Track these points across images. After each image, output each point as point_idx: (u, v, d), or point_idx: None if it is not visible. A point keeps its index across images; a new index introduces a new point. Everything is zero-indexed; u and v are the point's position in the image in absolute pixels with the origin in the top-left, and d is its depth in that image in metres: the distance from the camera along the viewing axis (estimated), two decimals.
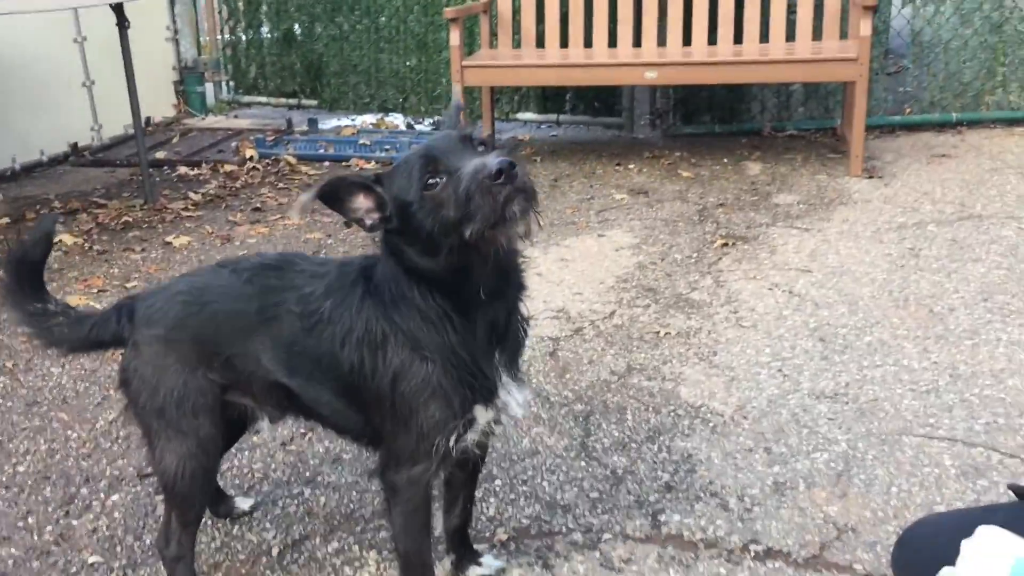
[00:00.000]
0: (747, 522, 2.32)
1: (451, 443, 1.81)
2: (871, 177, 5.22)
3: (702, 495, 2.44)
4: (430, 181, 1.66)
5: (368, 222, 1.73)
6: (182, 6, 7.49)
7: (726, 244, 4.32)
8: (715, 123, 6.43)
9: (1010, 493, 1.89)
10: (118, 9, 4.97)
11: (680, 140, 6.31)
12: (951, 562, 1.62)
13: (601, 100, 6.61)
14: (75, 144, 6.44)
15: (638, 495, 2.46)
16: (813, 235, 4.38)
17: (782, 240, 4.34)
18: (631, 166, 5.72)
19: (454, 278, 1.73)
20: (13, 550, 2.31)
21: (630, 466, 2.59)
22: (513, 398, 1.85)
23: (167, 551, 2.02)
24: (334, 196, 1.72)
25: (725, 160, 5.73)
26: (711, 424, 2.79)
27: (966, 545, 1.58)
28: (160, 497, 2.48)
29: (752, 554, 2.21)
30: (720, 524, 2.32)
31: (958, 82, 6.14)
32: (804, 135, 6.25)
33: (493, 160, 1.56)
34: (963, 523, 1.81)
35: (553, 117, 6.69)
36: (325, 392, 1.92)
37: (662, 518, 2.35)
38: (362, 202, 1.72)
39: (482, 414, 1.83)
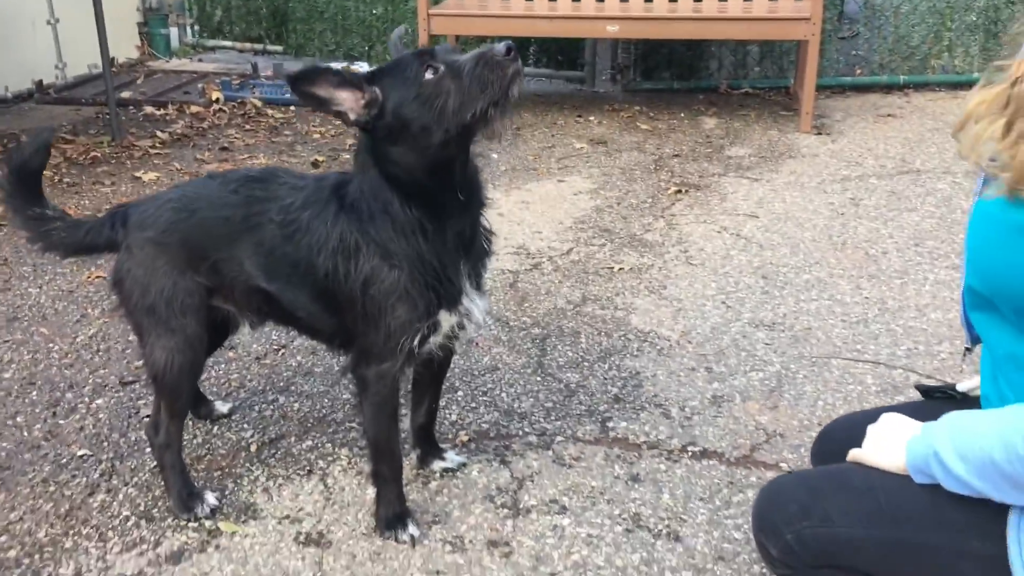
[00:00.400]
0: (686, 428, 2.55)
1: (415, 343, 2.00)
2: (820, 134, 5.45)
3: (647, 406, 2.67)
4: (428, 74, 1.81)
5: (353, 116, 1.86)
6: None
7: (679, 191, 4.53)
8: (674, 79, 6.61)
9: (917, 393, 2.13)
10: None
11: (640, 95, 6.50)
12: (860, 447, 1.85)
13: (564, 54, 6.77)
14: (40, 82, 6.44)
15: (589, 405, 2.67)
16: (762, 185, 4.61)
17: (732, 189, 4.56)
18: (591, 118, 5.89)
19: (434, 181, 1.90)
20: (5, 444, 2.47)
21: (582, 381, 2.80)
22: (476, 305, 2.03)
23: (156, 439, 2.19)
24: (317, 82, 1.82)
25: (682, 115, 5.93)
26: (658, 347, 3.01)
27: (870, 428, 1.82)
28: (142, 402, 2.66)
29: (689, 454, 2.44)
30: (662, 430, 2.55)
31: (906, 46, 6.39)
32: (759, 93, 6.46)
33: (498, 44, 1.76)
34: (872, 416, 2.05)
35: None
36: (301, 296, 2.09)
37: (610, 424, 2.57)
38: (347, 97, 1.85)
39: (446, 319, 2.01)
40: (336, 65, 7.04)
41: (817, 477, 1.92)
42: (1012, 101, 1.50)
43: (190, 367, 2.14)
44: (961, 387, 2.01)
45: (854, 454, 1.82)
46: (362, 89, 1.86)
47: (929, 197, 4.36)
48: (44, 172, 2.22)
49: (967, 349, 1.94)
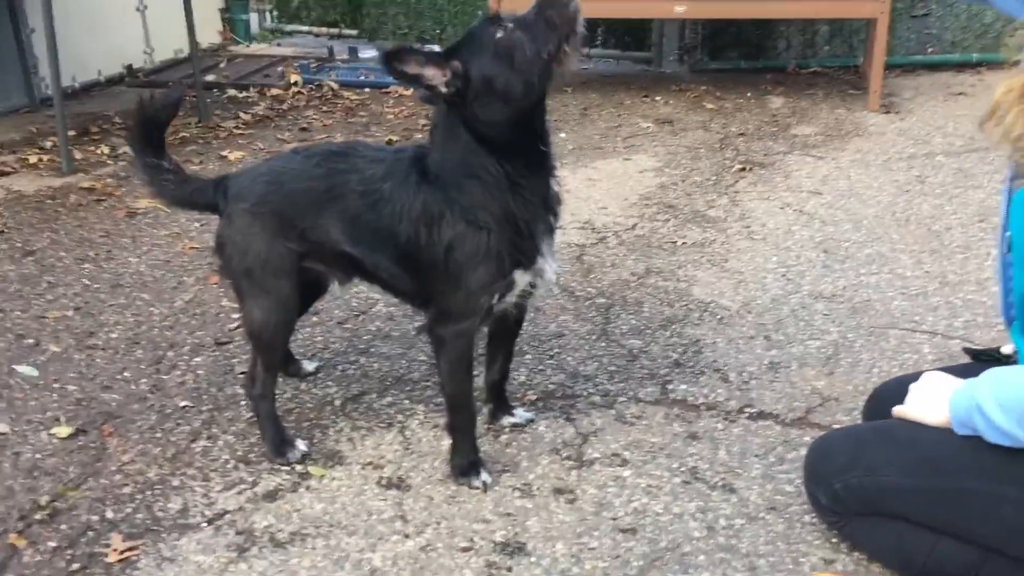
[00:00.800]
0: (744, 391, 2.68)
1: (494, 301, 2.17)
2: (888, 112, 5.47)
3: (706, 371, 2.80)
4: (499, 34, 1.99)
5: (443, 89, 2.01)
6: None
7: (744, 169, 4.61)
8: (741, 59, 6.66)
9: (965, 355, 2.23)
10: None
11: (706, 75, 6.56)
12: None
13: (631, 35, 6.85)
14: (130, 66, 6.78)
15: (650, 369, 2.81)
16: (827, 163, 4.66)
17: (797, 167, 4.63)
18: (658, 98, 5.98)
19: (519, 135, 2.06)
20: (116, 395, 2.71)
21: (644, 347, 2.95)
22: (548, 265, 2.20)
23: (253, 390, 2.40)
24: (406, 60, 1.99)
25: (749, 94, 5.99)
26: (718, 316, 3.14)
27: (912, 386, 1.93)
28: (236, 360, 2.88)
29: (746, 415, 2.57)
30: (720, 392, 2.68)
31: (980, 23, 6.33)
32: (827, 72, 6.47)
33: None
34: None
35: (584, 50, 6.93)
36: (383, 259, 2.26)
37: (670, 387, 2.71)
38: (434, 73, 2.00)
39: (521, 277, 2.17)
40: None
41: (864, 431, 2.05)
42: None
43: (284, 325, 2.35)
44: (1005, 349, 2.11)
45: (898, 410, 1.94)
46: (444, 65, 2.01)
47: (996, 175, 4.37)
48: (169, 120, 2.41)
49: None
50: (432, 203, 2.13)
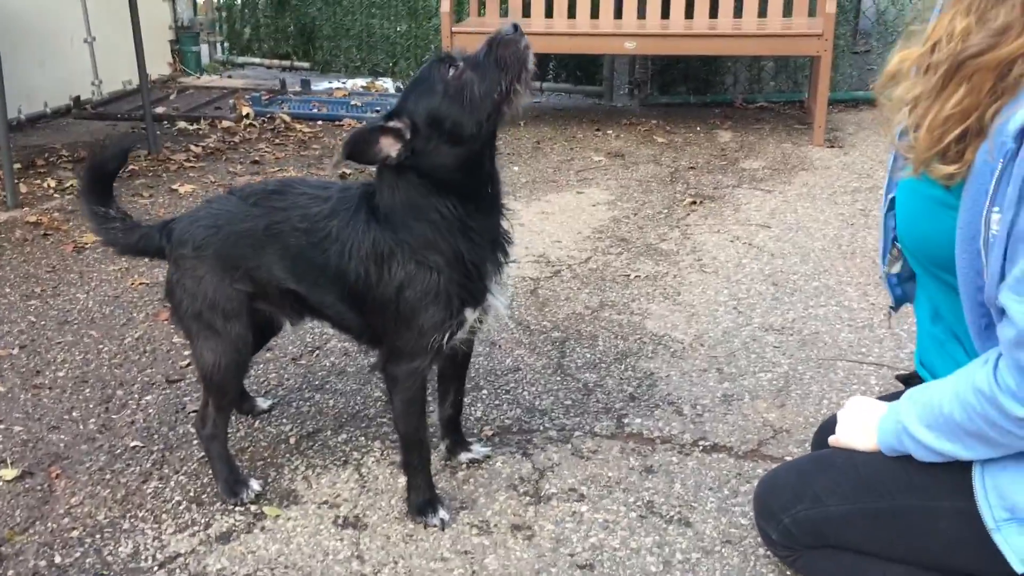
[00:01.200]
0: (698, 424, 2.71)
1: (444, 340, 2.17)
2: (832, 146, 5.60)
3: (661, 404, 2.83)
4: (449, 73, 1.99)
5: (394, 154, 2.03)
6: None
7: (694, 202, 4.69)
8: (690, 94, 6.78)
9: (898, 383, 2.29)
10: None
11: (656, 109, 6.67)
12: None
13: (582, 69, 6.95)
14: (77, 97, 6.70)
15: (606, 403, 2.84)
16: (775, 196, 4.76)
17: (746, 200, 4.72)
18: (609, 132, 6.07)
19: (468, 176, 2.07)
20: (63, 436, 2.66)
21: (599, 381, 2.97)
22: (499, 300, 2.21)
23: (204, 431, 2.37)
24: (361, 149, 2.02)
25: (698, 128, 6.10)
26: (672, 349, 3.17)
27: (840, 413, 1.97)
28: (188, 399, 2.85)
29: (700, 448, 2.59)
30: (675, 426, 2.71)
31: None
32: (773, 107, 6.62)
33: (504, 26, 1.97)
34: None
35: (536, 85, 7.00)
36: (330, 297, 2.25)
37: (625, 421, 2.74)
38: (384, 142, 2.02)
39: (471, 314, 2.18)
40: (361, 82, 7.28)
41: (805, 462, 2.08)
42: (931, 68, 1.64)
43: (236, 367, 2.32)
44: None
45: (832, 440, 1.98)
46: (396, 132, 2.01)
47: None
48: (119, 169, 2.40)
49: (891, 308, 2.13)
50: (382, 242, 2.13)
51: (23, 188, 4.83)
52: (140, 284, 3.70)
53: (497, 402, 2.85)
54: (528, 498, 2.38)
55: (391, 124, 2.04)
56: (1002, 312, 1.54)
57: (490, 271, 2.17)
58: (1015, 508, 1.67)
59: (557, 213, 4.56)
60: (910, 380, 2.17)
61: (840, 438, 1.94)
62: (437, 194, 2.07)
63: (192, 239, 2.28)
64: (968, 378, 1.63)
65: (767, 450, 2.58)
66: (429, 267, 2.10)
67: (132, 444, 2.61)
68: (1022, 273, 1.48)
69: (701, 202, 4.68)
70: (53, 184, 4.93)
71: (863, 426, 1.89)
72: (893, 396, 1.98)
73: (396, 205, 2.12)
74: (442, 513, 2.27)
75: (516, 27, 2.01)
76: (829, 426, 2.24)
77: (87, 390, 2.91)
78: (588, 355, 3.14)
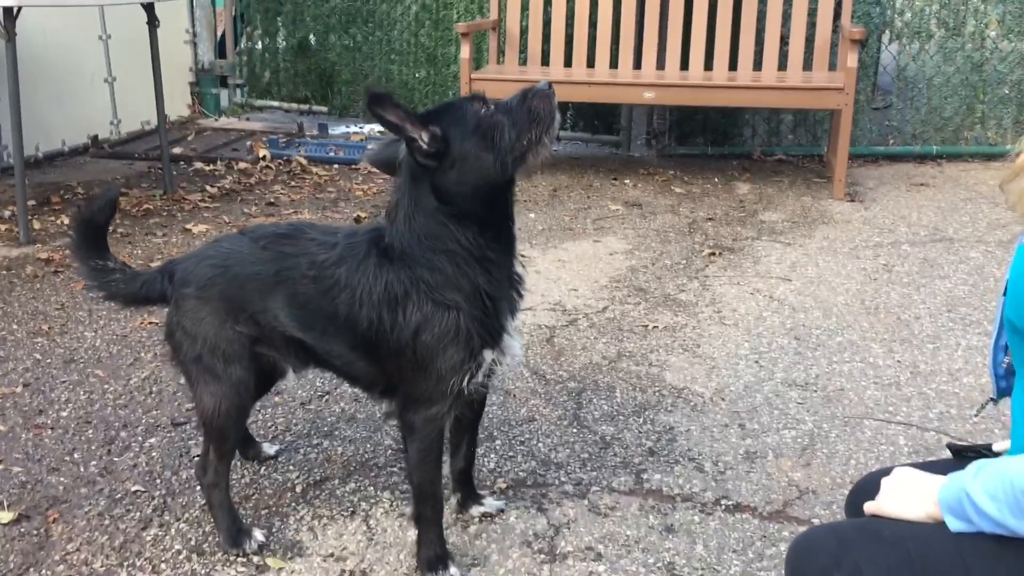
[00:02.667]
0: (720, 482, 2.61)
1: (464, 383, 2.09)
2: (853, 201, 5.54)
3: (681, 460, 2.72)
4: (482, 111, 1.99)
5: (423, 147, 1.96)
6: (201, 11, 7.79)
7: (713, 254, 4.62)
8: (708, 145, 6.75)
9: (948, 452, 2.18)
10: (149, 8, 5.27)
11: (674, 159, 6.63)
12: None
13: (600, 118, 6.94)
14: (95, 136, 6.71)
15: (624, 457, 2.74)
16: (795, 249, 4.69)
17: (766, 252, 4.64)
18: (627, 181, 6.02)
19: (490, 211, 2.03)
20: (63, 478, 2.57)
21: (617, 434, 2.87)
22: (515, 340, 2.15)
23: (205, 478, 2.28)
24: (391, 111, 1.94)
25: (716, 180, 6.05)
26: (692, 403, 3.08)
27: (884, 481, 1.86)
28: (192, 442, 2.76)
29: (723, 507, 2.49)
30: (696, 483, 2.60)
31: (939, 117, 6.49)
32: (792, 160, 6.58)
33: (540, 82, 2.03)
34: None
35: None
36: (338, 346, 2.18)
37: (644, 476, 2.63)
38: (411, 127, 1.96)
39: (488, 355, 2.11)
40: (377, 127, 7.28)
41: (847, 528, 1.97)
42: None
43: (236, 412, 2.24)
44: (996, 447, 2.06)
45: (870, 507, 1.86)
46: (422, 127, 1.97)
47: (962, 265, 4.41)
48: (109, 220, 2.34)
49: (992, 400, 2.00)
50: (396, 283, 2.06)
51: (36, 224, 4.80)
52: (149, 323, 3.64)
53: (511, 454, 2.75)
54: (543, 556, 2.27)
55: (422, 121, 1.98)
56: None
57: (505, 309, 2.10)
58: None
59: (574, 261, 4.49)
60: (964, 452, 2.07)
61: (884, 505, 1.83)
62: (456, 223, 2.02)
63: (196, 278, 2.21)
64: None
65: (793, 511, 2.47)
66: (447, 306, 2.04)
67: (133, 488, 2.53)
68: None
69: (720, 253, 4.61)
70: (67, 221, 4.89)
71: (917, 492, 1.78)
72: (950, 466, 1.87)
73: (414, 237, 2.05)
74: (452, 569, 2.17)
75: (550, 85, 2.05)
76: (864, 489, 2.13)
77: (90, 431, 2.83)
78: (605, 407, 3.05)
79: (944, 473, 1.92)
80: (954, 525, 1.71)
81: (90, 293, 2.42)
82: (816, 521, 2.41)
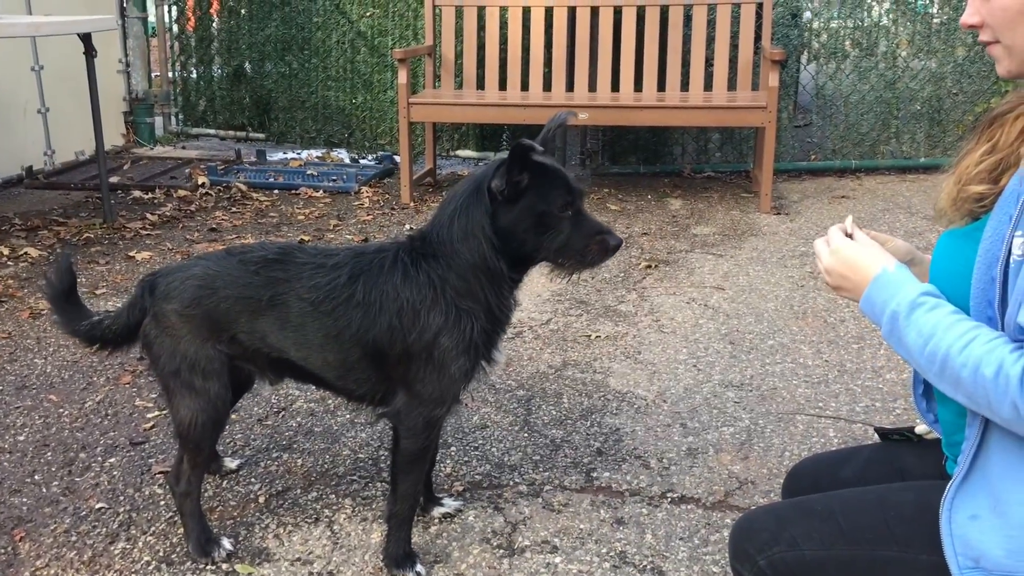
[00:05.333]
0: (665, 477, 2.76)
1: (465, 388, 2.23)
2: (779, 213, 5.80)
3: (628, 458, 2.87)
4: (563, 208, 2.10)
5: (501, 185, 2.06)
6: (134, 40, 7.78)
7: (650, 266, 4.80)
8: (640, 164, 6.98)
9: (874, 435, 2.36)
10: (86, 39, 5.28)
11: (608, 178, 6.84)
12: (826, 486, 2.07)
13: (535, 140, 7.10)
14: (29, 167, 6.65)
15: (574, 458, 2.87)
16: (726, 260, 4.90)
17: (699, 264, 4.85)
18: None
19: (519, 255, 2.16)
20: (25, 499, 2.61)
21: (567, 437, 3.01)
22: (501, 352, 2.28)
23: (178, 487, 2.35)
24: (528, 157, 2.05)
25: (649, 196, 6.27)
26: (636, 406, 3.23)
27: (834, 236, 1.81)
28: (153, 460, 2.81)
29: (669, 500, 2.64)
30: (643, 479, 2.75)
31: (857, 133, 6.82)
32: (720, 176, 6.84)
33: (616, 236, 2.16)
34: (836, 457, 2.28)
35: (491, 154, 7.16)
36: (336, 359, 2.24)
37: (594, 474, 2.77)
38: (509, 172, 2.06)
39: (484, 365, 2.25)
40: (316, 152, 7.35)
41: (784, 507, 2.12)
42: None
43: (213, 424, 2.31)
44: (918, 430, 2.24)
45: (823, 258, 1.83)
46: (523, 169, 2.06)
47: None
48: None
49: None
50: (425, 286, 2.15)
51: None
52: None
53: (466, 459, 2.87)
54: (502, 550, 2.39)
55: (508, 173, 2.07)
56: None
57: (502, 328, 2.25)
58: (980, 558, 1.72)
59: None
60: (890, 435, 2.23)
61: (833, 266, 1.78)
62: (490, 243, 2.11)
63: (181, 296, 2.26)
64: (998, 358, 1.51)
65: (734, 500, 2.63)
66: (468, 314, 2.15)
67: (98, 506, 2.57)
68: None
69: (656, 266, 4.80)
70: (7, 252, 4.87)
71: (855, 278, 1.73)
72: (878, 450, 2.03)
73: (452, 232, 2.14)
74: (419, 567, 2.27)
75: (619, 246, 2.17)
76: (798, 473, 2.30)
77: (48, 454, 2.87)
78: (554, 412, 3.18)
79: (876, 457, 2.11)
80: (865, 312, 1.72)
81: (94, 353, 2.51)
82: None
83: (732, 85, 6.25)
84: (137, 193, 6.31)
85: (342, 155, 7.53)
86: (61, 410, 3.16)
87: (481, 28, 6.47)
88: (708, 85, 6.25)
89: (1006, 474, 1.62)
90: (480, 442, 2.97)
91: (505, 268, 2.14)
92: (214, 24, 7.74)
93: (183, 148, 7.89)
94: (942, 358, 1.59)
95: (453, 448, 2.92)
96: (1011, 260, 1.54)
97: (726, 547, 2.19)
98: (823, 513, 1.96)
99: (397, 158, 6.72)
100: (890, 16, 6.75)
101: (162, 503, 2.55)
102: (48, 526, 2.48)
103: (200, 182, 6.48)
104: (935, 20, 6.64)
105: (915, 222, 5.49)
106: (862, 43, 6.75)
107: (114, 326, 2.36)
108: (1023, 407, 1.50)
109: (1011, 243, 1.54)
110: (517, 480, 2.74)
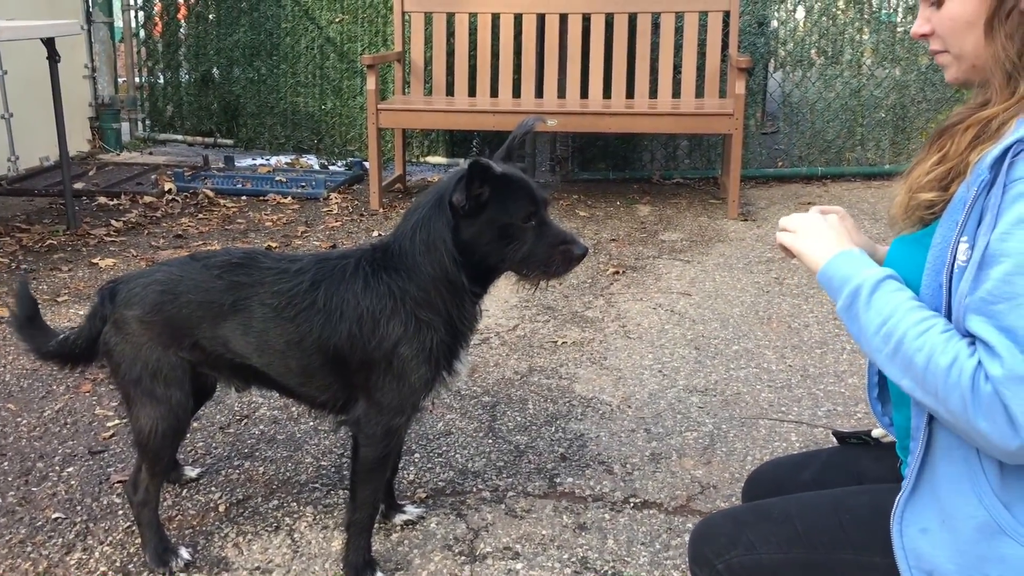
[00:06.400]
0: (628, 482, 2.76)
1: (424, 398, 2.21)
2: (746, 220, 5.84)
3: (591, 464, 2.87)
4: (526, 218, 2.09)
5: (462, 200, 2.04)
6: (100, 45, 7.71)
7: (617, 272, 4.82)
8: (609, 170, 7.00)
9: (833, 439, 2.38)
10: (50, 44, 5.23)
11: (577, 185, 6.86)
12: (786, 490, 2.08)
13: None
14: None
15: (538, 464, 2.87)
16: (693, 266, 4.93)
17: (666, 270, 4.87)
18: None
19: (480, 268, 2.15)
20: None
21: (531, 443, 3.00)
22: (463, 363, 2.26)
23: (136, 497, 2.32)
24: (487, 173, 2.03)
25: (618, 203, 6.29)
26: (600, 411, 3.24)
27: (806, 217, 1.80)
28: (112, 469, 2.78)
29: (631, 505, 2.64)
30: (606, 484, 2.75)
31: (823, 140, 6.89)
32: (689, 183, 6.88)
33: (581, 245, 2.12)
34: (794, 461, 2.29)
35: (459, 161, 7.16)
36: (298, 366, 2.22)
37: (558, 480, 2.77)
38: (470, 186, 2.04)
39: (445, 376, 2.23)
40: (285, 158, 7.32)
41: (742, 511, 2.13)
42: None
43: (174, 433, 2.28)
44: (875, 433, 2.26)
45: (784, 238, 1.81)
46: (483, 182, 2.05)
47: None
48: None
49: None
50: (385, 296, 2.13)
51: None
52: None
53: (430, 465, 2.86)
54: (463, 558, 2.38)
55: (469, 184, 2.05)
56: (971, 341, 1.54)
57: (463, 340, 2.23)
58: (933, 572, 1.74)
59: None
60: (848, 438, 2.25)
61: (796, 243, 1.78)
62: (451, 256, 2.09)
63: (143, 302, 2.23)
64: (954, 349, 1.52)
65: (696, 505, 2.64)
66: (427, 325, 2.14)
67: (54, 516, 2.54)
68: (987, 293, 1.49)
69: (624, 272, 4.82)
70: None
71: (817, 253, 1.72)
72: (836, 453, 2.05)
73: (414, 243, 2.12)
74: (379, 574, 2.26)
75: (587, 252, 2.18)
76: (757, 478, 2.31)
77: (5, 463, 2.82)
78: (519, 418, 3.18)
79: (833, 460, 2.12)
80: (822, 282, 1.72)
81: (68, 373, 2.53)
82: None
83: (700, 92, 6.29)
84: (102, 199, 6.25)
85: (311, 161, 7.49)
86: (19, 419, 3.12)
87: (451, 34, 6.47)
88: (676, 92, 6.29)
89: (953, 487, 1.63)
90: (444, 448, 2.96)
91: (467, 281, 2.12)
92: (182, 29, 7.69)
93: (150, 154, 7.83)
94: (897, 340, 1.59)
95: (417, 455, 2.91)
96: (955, 266, 1.57)
97: (686, 552, 2.19)
98: (780, 517, 1.98)
99: (367, 164, 6.70)
100: (855, 25, 6.83)
101: (120, 513, 2.52)
102: (3, 537, 2.44)
103: (167, 188, 6.42)
104: (899, 29, 6.73)
105: (879, 228, 5.55)
106: (827, 51, 6.83)
107: (79, 340, 2.33)
108: (971, 402, 1.52)
109: (956, 249, 1.56)
110: (480, 486, 2.73)
